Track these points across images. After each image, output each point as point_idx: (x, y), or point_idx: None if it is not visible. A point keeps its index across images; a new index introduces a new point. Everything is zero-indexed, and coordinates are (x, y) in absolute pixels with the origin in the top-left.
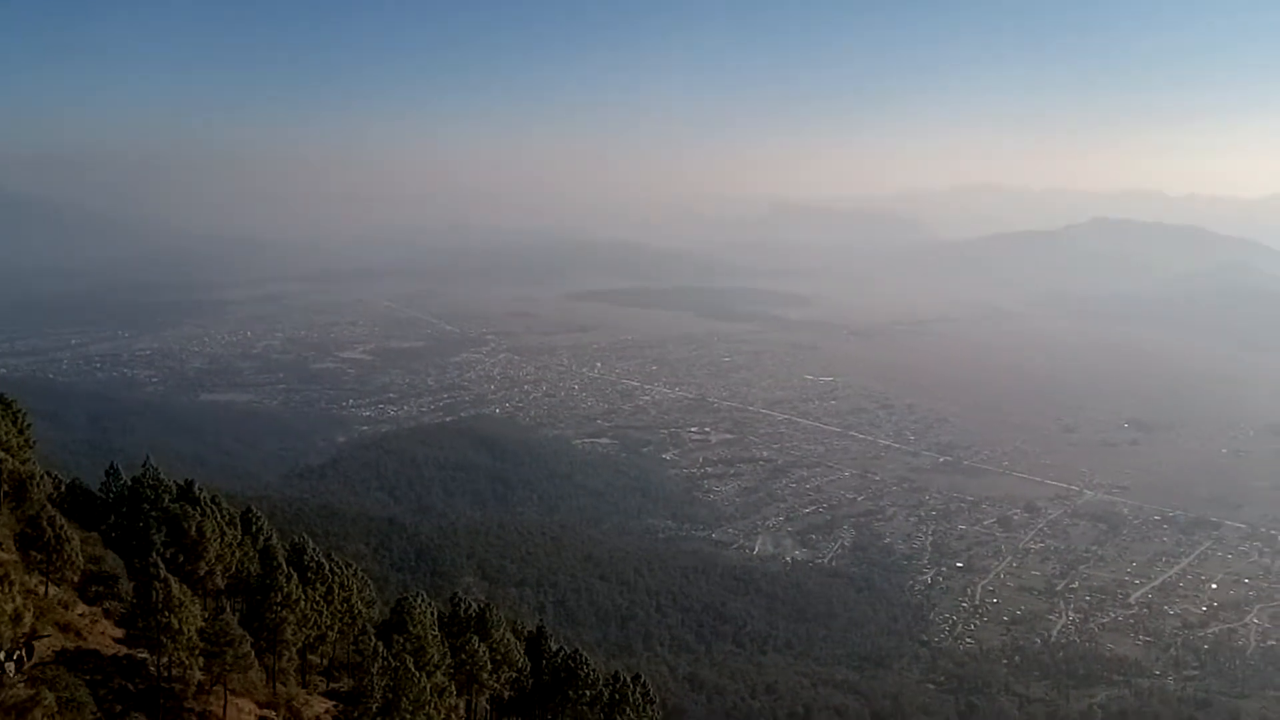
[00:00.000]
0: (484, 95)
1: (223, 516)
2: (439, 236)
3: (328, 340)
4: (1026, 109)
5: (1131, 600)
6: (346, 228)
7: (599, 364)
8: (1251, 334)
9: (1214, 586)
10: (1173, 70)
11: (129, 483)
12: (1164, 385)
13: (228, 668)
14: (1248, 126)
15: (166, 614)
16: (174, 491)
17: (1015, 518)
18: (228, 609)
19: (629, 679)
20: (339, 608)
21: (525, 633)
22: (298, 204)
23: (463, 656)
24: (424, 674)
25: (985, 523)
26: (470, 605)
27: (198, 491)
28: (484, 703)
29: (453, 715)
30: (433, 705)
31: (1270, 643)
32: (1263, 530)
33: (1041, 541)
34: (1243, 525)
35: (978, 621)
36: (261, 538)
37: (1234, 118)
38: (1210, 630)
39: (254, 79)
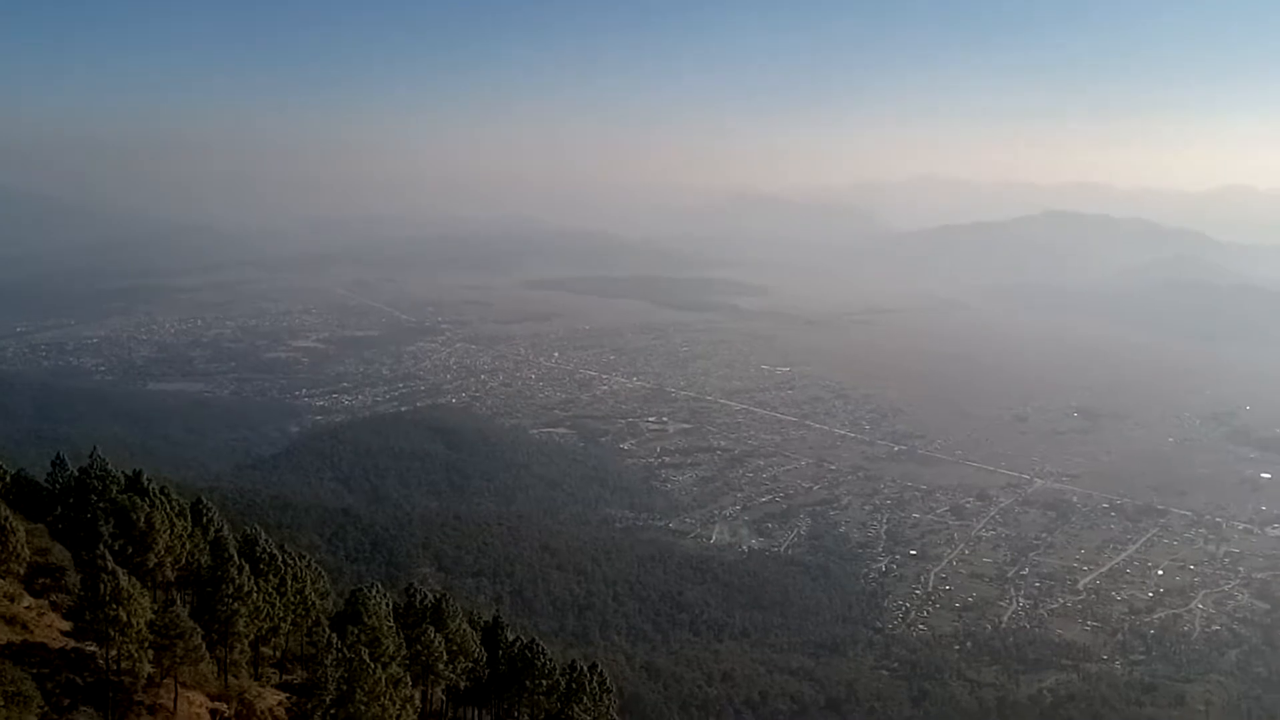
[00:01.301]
0: (445, 84)
1: (172, 508)
2: (396, 224)
3: (280, 328)
4: (979, 102)
5: (1080, 586)
6: (303, 214)
7: (556, 353)
8: (1197, 325)
9: (1160, 573)
10: (1121, 64)
11: (76, 473)
12: (1112, 375)
13: (178, 660)
14: (1195, 121)
15: (115, 606)
16: (122, 482)
17: (968, 506)
18: (178, 601)
19: (586, 668)
20: (292, 599)
21: (482, 623)
22: (253, 190)
23: (418, 647)
24: (379, 665)
25: (938, 511)
26: (426, 596)
27: (146, 482)
28: (440, 693)
29: (408, 706)
30: (388, 696)
31: (1215, 628)
32: (1207, 517)
33: (993, 529)
34: (1188, 512)
35: (930, 608)
36: (212, 529)
37: (1181, 112)
38: (1156, 615)
39: (214, 64)
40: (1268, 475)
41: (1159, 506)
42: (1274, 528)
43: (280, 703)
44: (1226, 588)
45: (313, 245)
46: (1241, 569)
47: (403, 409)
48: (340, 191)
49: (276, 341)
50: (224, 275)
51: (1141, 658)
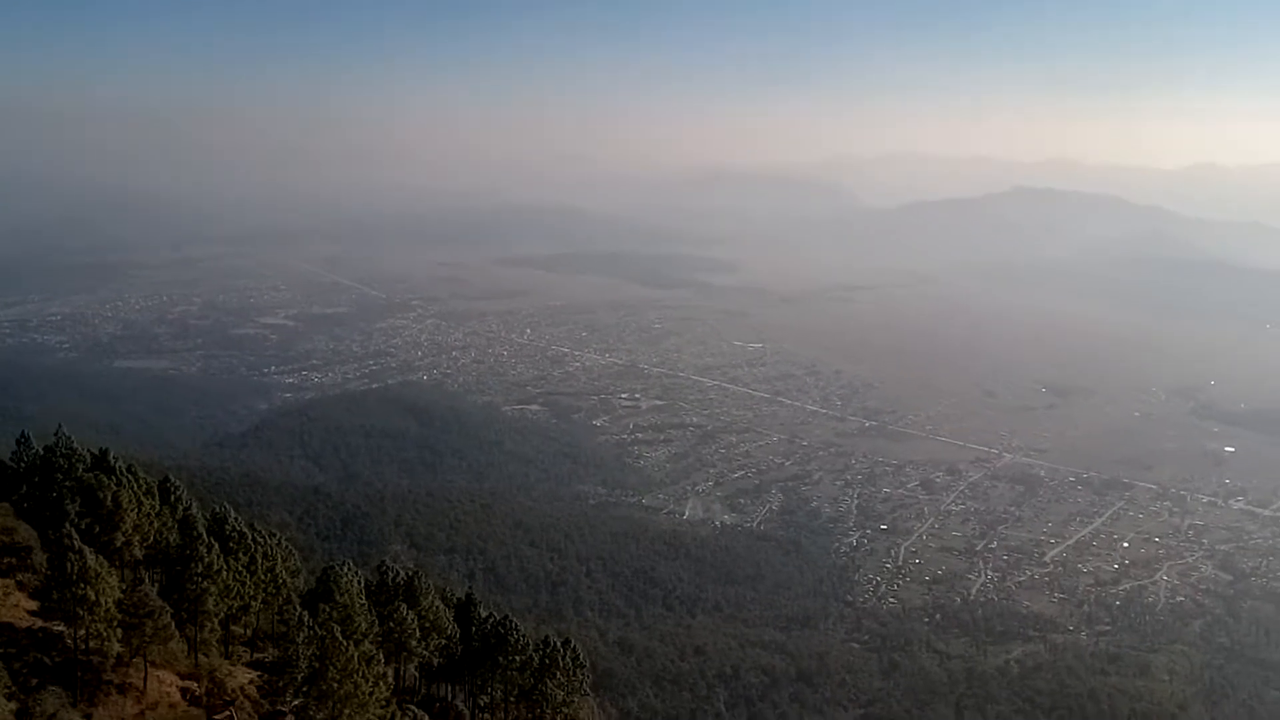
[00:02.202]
0: (414, 57)
1: (139, 486)
2: (366, 198)
3: (248, 305)
4: (951, 79)
5: (1047, 559)
6: (270, 188)
7: (529, 330)
8: (1163, 301)
9: (1125, 545)
10: (1092, 40)
11: (41, 452)
12: (1079, 351)
13: (147, 639)
14: (1164, 98)
15: (82, 585)
16: (88, 460)
17: (937, 480)
18: (146, 580)
19: (559, 644)
20: (262, 578)
21: (454, 600)
22: (215, 163)
23: (391, 624)
24: (351, 643)
25: (909, 486)
26: (398, 573)
27: (113, 460)
28: (413, 670)
29: (381, 683)
30: (360, 674)
31: (1179, 599)
32: (1172, 490)
33: (962, 503)
34: (1153, 486)
35: (900, 581)
36: (181, 507)
37: (1151, 89)
38: (1122, 587)
39: (180, 32)
40: (1231, 449)
41: (1125, 480)
42: (1237, 501)
43: (251, 681)
44: (1190, 560)
45: (280, 220)
46: (1205, 541)
47: (374, 386)
48: (308, 165)
49: (244, 318)
50: (190, 250)
51: (1107, 628)
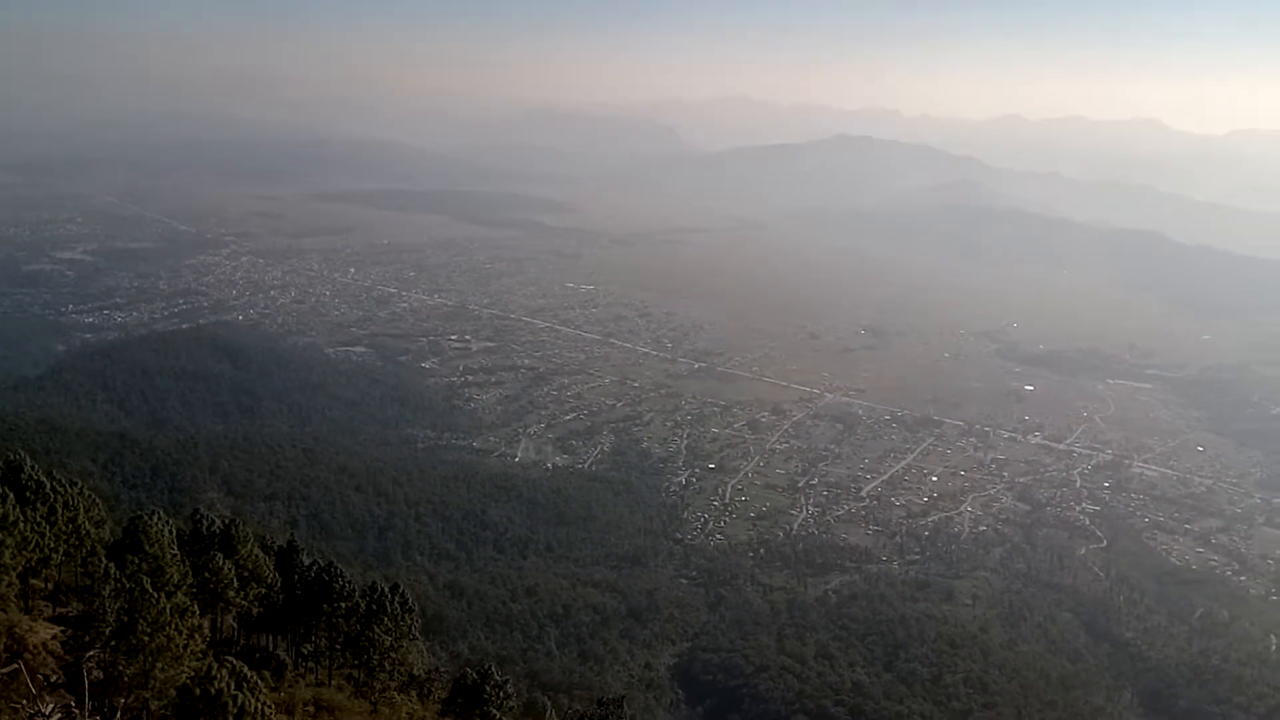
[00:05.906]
0: None
1: None
2: (171, 126)
3: (41, 239)
4: (779, 23)
5: (863, 494)
6: (65, 113)
7: (353, 269)
8: (973, 247)
9: (934, 479)
10: None
11: None
12: (897, 295)
13: None
14: (971, 50)
15: None
16: None
17: (763, 420)
18: None
19: (387, 589)
20: (64, 529)
21: (275, 548)
22: (5, 85)
23: (206, 575)
24: (163, 594)
25: (736, 425)
26: (214, 522)
27: None
28: (231, 621)
29: (196, 635)
30: (173, 626)
31: (982, 528)
32: (977, 427)
33: (786, 442)
34: (960, 422)
35: (727, 519)
36: None
37: (958, 40)
38: (930, 518)
39: None
40: (1030, 388)
41: (935, 418)
42: (1035, 436)
43: (55, 636)
44: (992, 492)
45: (74, 147)
46: (1006, 474)
47: (184, 326)
48: (107, 88)
49: (37, 253)
50: None
51: (917, 558)
